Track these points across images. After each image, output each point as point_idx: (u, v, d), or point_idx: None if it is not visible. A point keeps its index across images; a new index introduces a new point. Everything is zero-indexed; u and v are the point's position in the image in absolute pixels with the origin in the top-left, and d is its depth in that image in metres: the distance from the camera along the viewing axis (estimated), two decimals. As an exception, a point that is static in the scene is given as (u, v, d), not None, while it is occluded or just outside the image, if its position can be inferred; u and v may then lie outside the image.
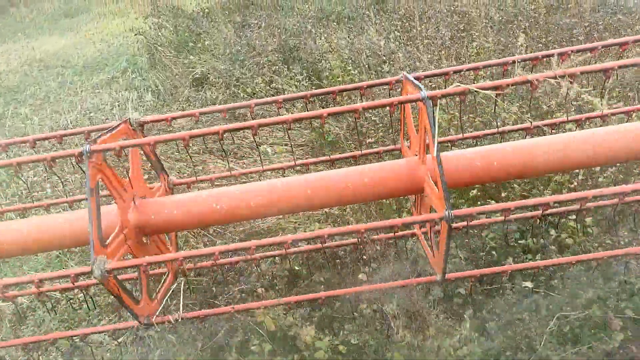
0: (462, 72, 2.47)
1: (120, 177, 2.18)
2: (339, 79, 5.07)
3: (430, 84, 4.53)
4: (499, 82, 2.05)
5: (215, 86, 5.66)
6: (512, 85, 2.05)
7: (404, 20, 6.50)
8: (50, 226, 2.33)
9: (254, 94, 5.07)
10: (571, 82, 2.05)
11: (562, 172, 2.81)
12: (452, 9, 6.69)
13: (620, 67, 2.06)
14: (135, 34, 7.68)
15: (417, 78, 2.29)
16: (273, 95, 4.85)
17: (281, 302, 2.23)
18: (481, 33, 5.61)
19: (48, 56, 9.18)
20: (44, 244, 2.34)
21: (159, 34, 7.40)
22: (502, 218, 2.05)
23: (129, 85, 7.37)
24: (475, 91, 2.04)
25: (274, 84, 4.98)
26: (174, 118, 2.46)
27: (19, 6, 13.53)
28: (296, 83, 4.89)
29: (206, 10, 8.36)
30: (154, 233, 2.34)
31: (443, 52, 5.37)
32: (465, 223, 2.24)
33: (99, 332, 2.41)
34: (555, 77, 2.04)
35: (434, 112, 1.96)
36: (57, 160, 2.13)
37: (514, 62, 2.30)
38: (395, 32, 6.11)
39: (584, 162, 2.21)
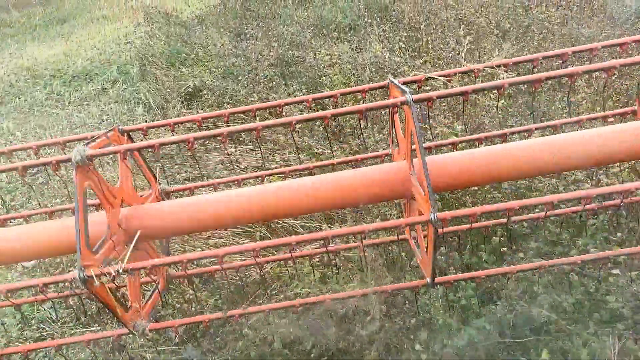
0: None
1: (109, 183, 2.19)
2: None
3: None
4: (448, 72, 2.42)
5: (207, 103, 5.29)
6: (459, 73, 2.43)
7: (409, 30, 6.13)
8: (42, 232, 2.30)
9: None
10: (505, 71, 2.35)
11: (552, 173, 2.73)
12: (459, 17, 6.32)
13: (544, 57, 2.29)
14: (125, 43, 7.31)
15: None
16: (269, 115, 4.48)
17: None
18: (494, 45, 5.24)
19: (36, 64, 8.80)
20: (35, 251, 2.31)
21: (150, 43, 7.02)
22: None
23: (119, 97, 7.00)
24: (432, 78, 2.39)
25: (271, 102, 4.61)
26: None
27: (10, 11, 13.15)
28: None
29: (201, 17, 7.99)
30: (143, 239, 2.29)
31: (452, 64, 5.01)
32: (452, 228, 2.37)
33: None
34: (492, 67, 2.38)
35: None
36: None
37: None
38: (400, 43, 5.74)
39: (573, 164, 2.21)
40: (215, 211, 2.23)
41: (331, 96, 2.51)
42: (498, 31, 5.66)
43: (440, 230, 1.92)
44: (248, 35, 6.29)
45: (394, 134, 2.48)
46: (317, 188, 2.22)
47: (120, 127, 2.39)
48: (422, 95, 1.97)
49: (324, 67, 4.99)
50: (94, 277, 1.93)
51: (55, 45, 10.25)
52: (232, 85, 5.01)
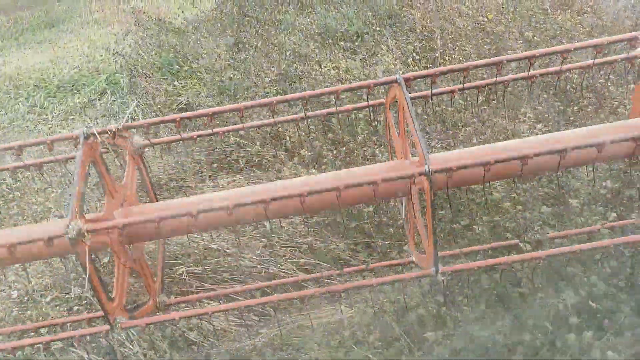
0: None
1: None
2: (352, 115, 4.22)
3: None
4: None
5: (202, 120, 4.78)
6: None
7: (423, 40, 5.61)
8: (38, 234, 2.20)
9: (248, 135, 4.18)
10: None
11: (552, 170, 2.61)
12: (477, 25, 5.80)
13: (461, 89, 2.48)
14: (113, 54, 6.79)
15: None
16: (271, 143, 3.96)
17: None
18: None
19: (20, 73, 8.25)
20: (32, 253, 2.22)
21: (140, 52, 6.49)
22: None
23: (107, 111, 6.47)
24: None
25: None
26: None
27: (-4, 15, 12.59)
28: (299, 124, 3.99)
29: (195, 23, 7.44)
30: (138, 239, 2.30)
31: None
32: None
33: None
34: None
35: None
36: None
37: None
38: (414, 54, 5.23)
39: (575, 161, 2.19)
40: (215, 209, 2.14)
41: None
42: (522, 41, 5.15)
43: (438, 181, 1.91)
44: (247, 45, 5.76)
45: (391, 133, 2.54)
46: (319, 187, 2.16)
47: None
48: (407, 74, 2.12)
49: (332, 84, 4.47)
50: (85, 233, 1.90)
51: (42, 51, 9.70)
52: (229, 104, 4.48)
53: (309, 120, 4.27)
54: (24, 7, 13.25)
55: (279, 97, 2.55)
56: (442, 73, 2.43)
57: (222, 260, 2.94)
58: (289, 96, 2.62)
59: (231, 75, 4.90)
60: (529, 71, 2.60)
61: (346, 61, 4.92)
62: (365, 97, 2.66)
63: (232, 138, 4.06)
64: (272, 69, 4.73)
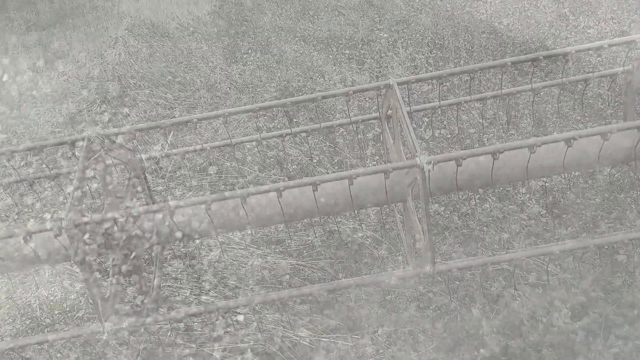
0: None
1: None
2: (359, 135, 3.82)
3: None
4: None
5: (200, 137, 4.37)
6: None
7: (435, 48, 5.19)
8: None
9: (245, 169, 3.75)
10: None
11: (547, 176, 2.71)
12: (492, 32, 5.39)
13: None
14: (101, 63, 6.38)
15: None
16: (272, 169, 3.55)
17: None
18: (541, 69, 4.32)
19: (5, 81, 7.83)
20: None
21: (130, 60, 6.08)
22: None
23: (95, 124, 6.06)
24: None
25: (272, 148, 3.67)
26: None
27: (-14, 17, 12.15)
28: (301, 148, 3.59)
29: (191, 28, 7.01)
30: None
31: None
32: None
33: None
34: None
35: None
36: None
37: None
38: (427, 65, 4.81)
39: (566, 167, 2.21)
40: (215, 215, 2.20)
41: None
42: (542, 50, 4.73)
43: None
44: (244, 55, 5.33)
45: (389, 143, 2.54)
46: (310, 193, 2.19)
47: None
48: (404, 78, 2.22)
49: (338, 99, 4.05)
50: (83, 223, 1.93)
51: (31, 57, 9.27)
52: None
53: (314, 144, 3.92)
54: (14, 7, 12.79)
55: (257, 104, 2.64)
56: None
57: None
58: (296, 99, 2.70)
59: (227, 89, 4.49)
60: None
61: (352, 75, 4.50)
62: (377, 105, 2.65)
63: (227, 163, 3.65)
64: (273, 84, 4.31)
